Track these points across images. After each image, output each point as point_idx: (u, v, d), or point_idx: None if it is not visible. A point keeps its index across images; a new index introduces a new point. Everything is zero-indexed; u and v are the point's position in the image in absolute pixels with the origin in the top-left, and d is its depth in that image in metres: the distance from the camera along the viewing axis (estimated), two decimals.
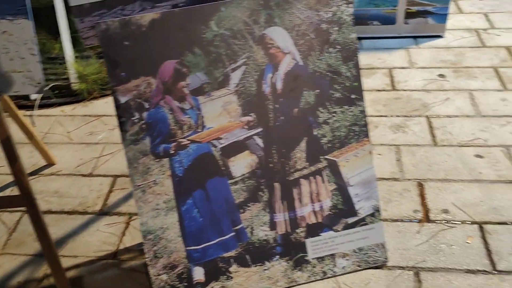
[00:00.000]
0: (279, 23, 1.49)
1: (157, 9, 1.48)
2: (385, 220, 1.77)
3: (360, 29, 2.77)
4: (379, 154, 2.05)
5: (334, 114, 1.55)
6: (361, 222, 1.60)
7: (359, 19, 2.73)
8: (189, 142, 1.49)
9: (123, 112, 1.43)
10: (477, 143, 2.06)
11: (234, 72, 1.50)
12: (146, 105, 1.44)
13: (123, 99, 1.43)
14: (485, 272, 1.57)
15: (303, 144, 1.56)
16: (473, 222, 1.73)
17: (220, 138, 1.52)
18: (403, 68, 2.55)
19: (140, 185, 1.47)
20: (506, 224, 1.72)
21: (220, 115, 1.52)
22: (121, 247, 1.74)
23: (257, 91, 1.51)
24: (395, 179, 1.93)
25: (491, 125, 2.14)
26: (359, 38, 2.80)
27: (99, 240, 1.77)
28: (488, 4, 3.04)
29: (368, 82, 2.47)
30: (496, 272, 1.57)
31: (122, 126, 1.44)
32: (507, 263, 1.59)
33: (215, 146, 1.51)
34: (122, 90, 1.42)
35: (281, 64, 1.51)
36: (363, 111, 1.57)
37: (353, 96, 1.56)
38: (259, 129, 1.53)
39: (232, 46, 1.48)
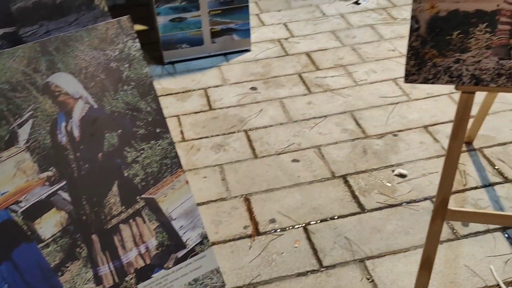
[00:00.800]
0: (63, 68, 1.40)
1: None
2: (218, 243, 1.78)
3: (171, 53, 2.77)
4: (205, 177, 2.07)
5: (142, 151, 1.51)
6: (191, 253, 1.58)
7: (168, 44, 2.74)
8: None
9: None
10: (293, 149, 2.20)
11: (22, 128, 1.37)
12: None
13: None
14: (313, 271, 1.67)
15: (115, 189, 1.49)
16: (298, 226, 1.84)
17: (20, 201, 1.38)
18: (217, 86, 2.62)
19: None
20: (326, 220, 1.85)
21: (14, 177, 1.37)
22: None
23: (52, 143, 1.40)
24: (223, 199, 1.96)
25: (302, 129, 2.31)
26: (172, 63, 2.81)
27: None
28: (286, 15, 3.28)
29: (185, 105, 2.49)
30: (323, 269, 1.68)
31: None
32: (330, 258, 1.71)
33: (15, 211, 1.37)
34: None
35: (74, 110, 1.42)
36: (171, 143, 1.55)
37: (158, 130, 1.53)
38: (63, 183, 1.42)
39: (14, 100, 1.35)
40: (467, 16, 1.27)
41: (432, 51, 1.32)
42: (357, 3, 3.35)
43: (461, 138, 1.41)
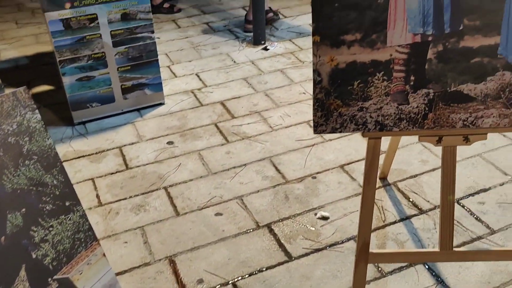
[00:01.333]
0: None
1: None
2: None
3: (81, 113, 2.67)
4: (126, 242, 1.97)
5: (51, 229, 1.41)
6: None
7: (77, 104, 2.64)
8: None
9: None
10: (215, 202, 2.16)
11: None
12: None
13: None
14: None
15: (23, 273, 1.36)
16: (227, 283, 1.79)
17: None
18: (133, 143, 2.55)
19: None
20: (255, 274, 1.82)
21: None
22: None
23: None
24: (147, 264, 1.87)
25: (223, 180, 2.28)
26: (83, 123, 2.70)
27: None
28: (197, 65, 3.30)
29: (100, 167, 2.38)
30: None
31: None
32: None
33: None
34: None
35: None
36: (83, 215, 1.46)
37: (67, 203, 1.44)
38: None
39: None
40: (364, 67, 1.34)
41: (337, 101, 1.36)
42: (265, 49, 3.45)
43: (373, 182, 1.46)
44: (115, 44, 2.58)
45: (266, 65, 3.26)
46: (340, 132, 1.38)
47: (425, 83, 1.36)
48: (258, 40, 3.50)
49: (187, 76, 3.17)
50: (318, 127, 1.38)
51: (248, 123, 2.68)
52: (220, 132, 2.62)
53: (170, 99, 2.91)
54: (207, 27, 3.85)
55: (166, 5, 4.11)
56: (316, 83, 1.35)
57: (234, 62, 3.32)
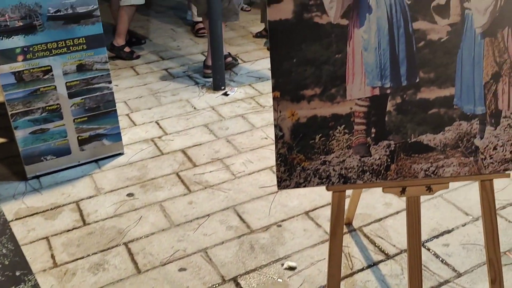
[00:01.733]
0: None
1: None
2: None
3: (35, 167, 2.56)
4: None
5: None
6: None
7: (30, 158, 2.53)
8: None
9: None
10: (178, 256, 2.08)
11: None
12: None
13: None
14: None
15: None
16: None
17: None
18: (90, 197, 2.45)
19: None
20: None
21: None
22: None
23: None
24: None
25: (186, 232, 2.21)
26: (37, 177, 2.59)
27: None
28: (157, 112, 3.26)
29: (55, 224, 2.27)
30: None
31: None
32: None
33: None
34: None
35: None
36: (35, 285, 1.37)
37: (18, 273, 1.35)
38: None
39: None
40: (325, 120, 1.34)
41: (299, 156, 1.35)
42: (225, 94, 3.45)
43: (340, 234, 1.44)
44: (71, 96, 2.51)
45: (227, 110, 3.26)
46: (304, 186, 1.36)
47: (386, 134, 1.36)
48: (217, 85, 3.50)
49: (146, 124, 3.12)
50: (282, 183, 1.36)
51: (210, 171, 2.63)
52: (182, 181, 2.56)
53: (130, 149, 2.85)
54: (166, 73, 3.84)
55: (127, 49, 4.08)
56: (278, 138, 1.33)
57: (194, 108, 3.30)
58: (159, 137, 2.98)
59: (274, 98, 1.31)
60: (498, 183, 2.40)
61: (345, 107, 1.33)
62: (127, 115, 3.23)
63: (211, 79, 3.58)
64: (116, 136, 2.73)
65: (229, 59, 3.80)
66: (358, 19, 1.30)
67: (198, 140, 2.94)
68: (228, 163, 2.70)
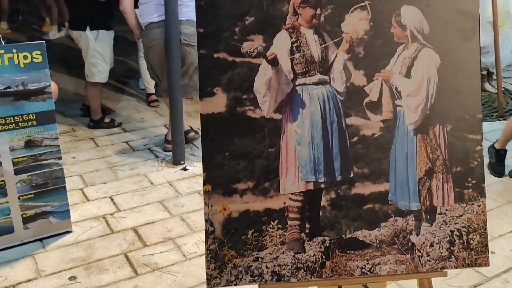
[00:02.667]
0: None
1: None
2: None
3: None
4: None
5: None
6: None
7: None
8: None
9: None
10: None
11: None
12: None
13: None
14: None
15: None
16: None
17: None
18: (29, 280, 2.31)
19: None
20: None
21: None
22: None
23: None
24: None
25: None
26: None
27: None
28: (112, 187, 3.18)
29: None
30: None
31: None
32: None
33: None
34: None
35: None
36: None
37: None
38: None
39: None
40: (258, 215, 1.30)
41: (231, 252, 1.29)
42: (184, 169, 3.41)
43: None
44: (17, 172, 2.43)
45: (184, 186, 3.20)
46: (236, 285, 1.29)
47: (321, 230, 1.33)
48: (177, 160, 3.46)
49: (100, 200, 3.03)
50: (212, 280, 1.29)
51: (161, 252, 2.53)
52: (130, 263, 2.45)
53: (79, 226, 2.73)
54: (127, 146, 3.79)
55: (106, 119, 4.08)
56: (208, 233, 1.28)
57: (151, 183, 3.23)
58: (111, 214, 2.88)
59: (205, 192, 1.27)
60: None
61: (278, 201, 1.30)
62: (81, 189, 3.14)
63: (171, 153, 3.55)
64: (64, 214, 2.63)
65: (191, 133, 3.79)
66: (291, 114, 1.31)
67: (151, 217, 2.85)
68: (180, 243, 2.61)
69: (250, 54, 1.28)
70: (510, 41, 4.56)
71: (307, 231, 1.32)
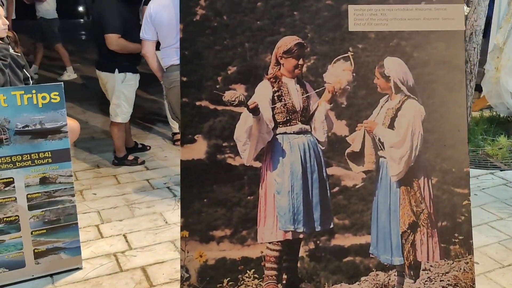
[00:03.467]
0: None
1: None
2: None
3: None
4: None
5: None
6: None
7: None
8: None
9: None
10: None
11: None
12: None
13: None
14: None
15: None
16: None
17: None
18: None
19: None
20: None
21: None
22: None
23: None
24: None
25: None
26: None
27: None
28: (127, 225, 3.23)
29: None
30: None
31: None
32: None
33: None
34: None
35: None
36: None
37: None
38: None
39: None
40: (235, 264, 1.29)
41: None
42: None
43: None
44: (31, 208, 2.52)
45: None
46: None
47: (298, 282, 1.30)
48: None
49: (113, 237, 3.07)
50: None
51: None
52: None
53: (89, 263, 2.77)
54: (147, 184, 3.86)
55: (130, 157, 4.19)
56: (183, 280, 1.28)
57: (166, 222, 3.26)
58: (123, 252, 2.91)
59: (182, 238, 1.28)
60: None
61: (255, 250, 1.29)
62: (97, 226, 3.20)
63: None
64: (75, 250, 2.68)
65: None
66: (271, 162, 1.31)
67: (161, 257, 2.86)
68: None
69: (232, 102, 1.31)
70: None
71: (284, 282, 1.29)
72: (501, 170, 3.89)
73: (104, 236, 3.08)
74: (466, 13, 3.84)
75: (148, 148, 4.54)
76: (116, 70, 3.94)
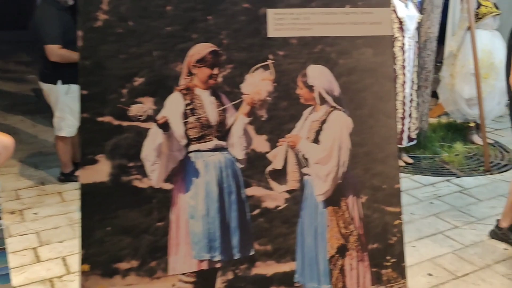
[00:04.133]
0: None
1: None
2: None
3: None
4: None
5: None
6: None
7: None
8: None
9: None
10: None
11: None
12: None
13: None
14: None
15: None
16: None
17: None
18: None
19: None
20: None
21: None
22: None
23: None
24: None
25: None
26: None
27: None
28: (68, 246, 3.02)
29: None
30: None
31: None
32: None
33: None
34: None
35: None
36: None
37: None
38: None
39: None
40: None
41: None
42: None
43: None
44: None
45: None
46: None
47: None
48: None
49: (51, 261, 2.87)
50: None
51: None
52: None
53: None
54: None
55: (77, 172, 3.97)
56: None
57: None
58: (59, 277, 2.71)
59: (82, 273, 1.13)
60: None
61: (166, 283, 1.15)
62: (34, 249, 2.99)
63: None
64: (4, 278, 2.48)
65: None
66: (183, 184, 1.18)
67: None
68: None
69: (139, 117, 1.17)
70: (496, 92, 4.46)
71: None
72: (457, 177, 3.86)
73: (41, 260, 2.88)
74: (419, 20, 3.81)
75: None
76: (59, 81, 3.74)
